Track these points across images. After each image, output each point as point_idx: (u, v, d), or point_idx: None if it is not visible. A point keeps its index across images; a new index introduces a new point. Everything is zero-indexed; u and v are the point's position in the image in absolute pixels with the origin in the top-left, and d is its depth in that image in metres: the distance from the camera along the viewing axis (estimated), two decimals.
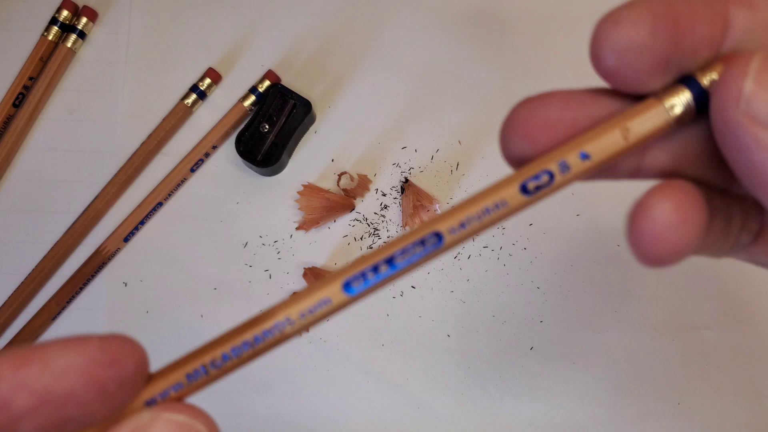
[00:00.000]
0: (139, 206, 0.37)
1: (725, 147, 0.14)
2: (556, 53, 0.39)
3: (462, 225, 0.15)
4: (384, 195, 0.38)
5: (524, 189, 0.15)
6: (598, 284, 0.38)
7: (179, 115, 0.38)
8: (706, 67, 0.15)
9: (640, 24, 0.14)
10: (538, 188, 0.15)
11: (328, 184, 0.38)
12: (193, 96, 0.38)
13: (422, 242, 0.15)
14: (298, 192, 0.37)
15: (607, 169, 0.16)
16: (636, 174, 0.17)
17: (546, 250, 0.38)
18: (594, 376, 0.37)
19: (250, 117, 0.37)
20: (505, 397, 0.37)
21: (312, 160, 0.38)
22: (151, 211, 0.37)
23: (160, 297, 0.37)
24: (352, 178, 0.38)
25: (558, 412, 0.37)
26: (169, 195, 0.38)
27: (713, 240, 0.17)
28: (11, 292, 0.37)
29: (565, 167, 0.15)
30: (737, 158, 0.14)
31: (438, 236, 0.15)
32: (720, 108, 0.14)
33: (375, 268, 0.15)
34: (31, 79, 0.38)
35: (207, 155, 0.38)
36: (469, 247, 0.38)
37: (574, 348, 0.37)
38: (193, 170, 0.38)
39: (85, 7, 0.38)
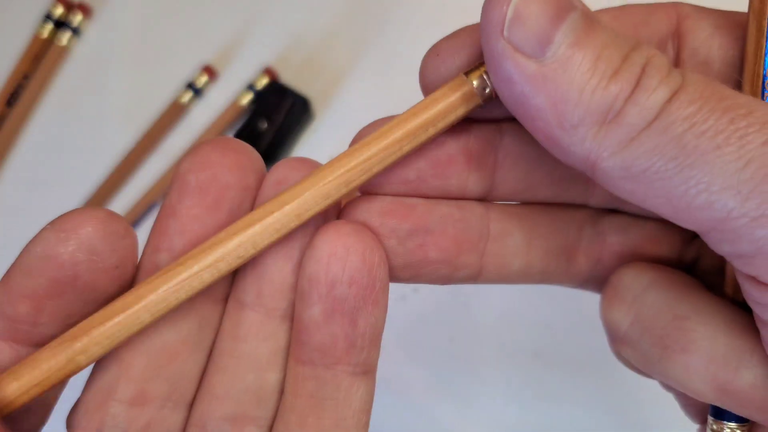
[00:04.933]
0: (134, 206, 0.37)
1: (494, 83, 0.14)
2: None
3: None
4: None
5: None
6: None
7: (175, 113, 0.37)
8: None
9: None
10: None
11: None
12: (189, 93, 0.37)
13: None
14: None
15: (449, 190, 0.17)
16: (488, 196, 0.17)
17: None
18: (602, 382, 0.36)
19: (248, 115, 0.36)
20: (509, 404, 0.36)
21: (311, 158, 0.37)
22: (146, 211, 0.37)
23: None
24: None
25: (564, 419, 0.36)
26: (165, 194, 0.37)
27: (551, 262, 0.17)
28: None
29: None
30: (506, 94, 0.14)
31: None
32: (485, 39, 0.13)
33: None
34: (25, 77, 0.37)
35: None
36: None
37: (581, 353, 0.36)
38: None
39: (79, 3, 0.38)
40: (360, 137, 0.16)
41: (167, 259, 0.15)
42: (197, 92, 0.37)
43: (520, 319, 0.37)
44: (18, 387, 0.14)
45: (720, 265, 0.17)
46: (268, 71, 0.37)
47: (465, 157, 0.16)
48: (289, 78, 0.38)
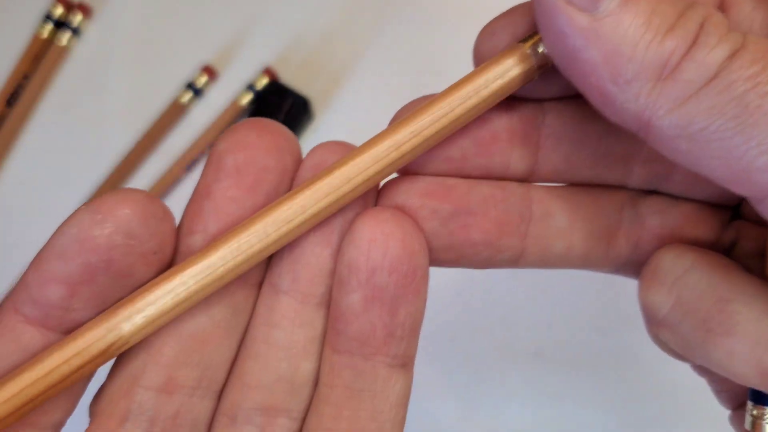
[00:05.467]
0: None
1: (546, 41, 0.14)
2: None
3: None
4: None
5: None
6: (607, 287, 0.37)
7: (175, 113, 0.37)
8: None
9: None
10: None
11: None
12: (189, 94, 0.37)
13: None
14: None
15: (497, 173, 0.17)
16: (530, 176, 0.17)
17: None
18: (603, 381, 0.36)
19: (248, 115, 0.36)
20: (511, 404, 0.36)
21: None
22: None
23: None
24: None
25: (566, 419, 0.36)
26: (165, 194, 0.37)
27: (593, 245, 0.17)
28: (2, 295, 0.36)
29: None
30: (557, 49, 0.14)
31: None
32: None
33: None
34: (24, 77, 0.37)
35: (203, 154, 0.37)
36: None
37: (583, 353, 0.36)
38: (188, 169, 0.37)
39: (79, 3, 0.38)
40: (400, 116, 0.16)
41: (201, 242, 0.15)
42: (197, 92, 0.37)
43: (521, 319, 0.37)
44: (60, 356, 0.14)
45: (760, 248, 0.17)
46: (268, 71, 0.37)
47: (508, 135, 0.16)
48: (289, 78, 0.38)
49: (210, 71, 0.37)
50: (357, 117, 0.38)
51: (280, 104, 0.36)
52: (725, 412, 0.37)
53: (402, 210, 0.15)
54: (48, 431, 0.15)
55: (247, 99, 0.37)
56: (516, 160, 0.16)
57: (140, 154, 0.37)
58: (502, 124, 0.16)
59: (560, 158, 0.17)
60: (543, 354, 0.36)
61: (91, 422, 0.15)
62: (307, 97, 0.36)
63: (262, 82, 0.37)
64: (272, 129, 0.15)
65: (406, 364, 0.16)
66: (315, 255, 0.15)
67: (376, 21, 0.39)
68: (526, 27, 0.15)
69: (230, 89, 0.38)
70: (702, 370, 0.19)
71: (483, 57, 0.16)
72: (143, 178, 0.37)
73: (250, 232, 0.14)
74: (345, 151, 0.15)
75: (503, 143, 0.16)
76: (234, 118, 0.37)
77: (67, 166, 0.37)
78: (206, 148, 0.37)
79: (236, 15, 0.39)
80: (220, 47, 0.38)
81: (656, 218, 0.17)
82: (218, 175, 0.15)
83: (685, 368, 0.38)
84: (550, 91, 0.15)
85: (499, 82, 0.15)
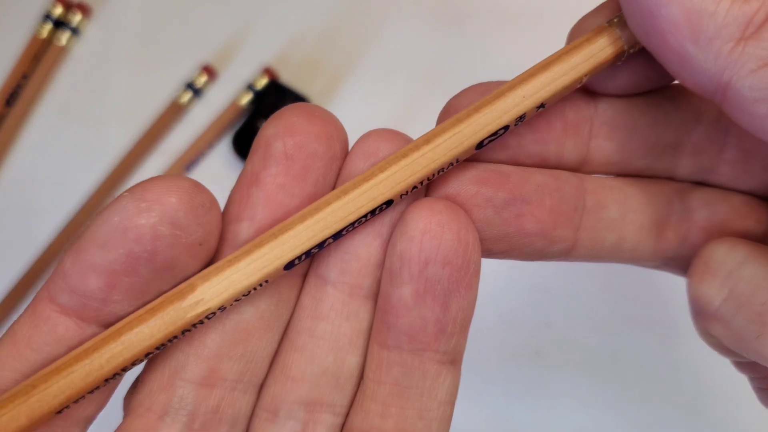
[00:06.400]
0: None
1: (634, 25, 0.14)
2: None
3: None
4: None
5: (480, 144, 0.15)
6: (607, 287, 0.37)
7: (174, 112, 0.37)
8: None
9: None
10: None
11: None
12: (189, 93, 0.37)
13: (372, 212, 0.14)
14: None
15: (553, 162, 0.16)
16: (582, 167, 0.16)
17: None
18: (603, 381, 0.36)
19: (248, 115, 0.36)
20: (510, 404, 0.36)
21: None
22: None
23: None
24: None
25: (565, 419, 0.36)
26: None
27: (643, 238, 0.17)
28: (2, 294, 0.36)
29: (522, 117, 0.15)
30: (636, 7, 0.13)
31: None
32: None
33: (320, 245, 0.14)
34: (24, 77, 0.37)
35: (203, 154, 0.37)
36: None
37: (582, 353, 0.36)
38: (188, 169, 0.37)
39: (78, 3, 0.38)
40: (455, 107, 0.16)
41: (248, 229, 0.14)
42: (197, 92, 0.37)
43: (521, 318, 0.36)
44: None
45: None
46: (267, 71, 0.37)
47: (562, 123, 0.16)
48: (289, 78, 0.38)
49: (210, 71, 0.37)
50: (357, 117, 0.38)
51: (279, 104, 0.36)
52: (725, 413, 0.37)
53: (455, 198, 0.15)
54: (80, 425, 0.14)
55: (246, 99, 0.37)
56: (569, 150, 0.16)
57: (140, 153, 0.37)
58: (556, 112, 0.16)
59: (612, 148, 0.16)
60: (542, 353, 0.36)
61: (126, 416, 0.15)
62: (306, 97, 0.36)
63: (262, 82, 0.37)
64: (321, 114, 0.15)
65: (455, 361, 0.15)
66: (365, 246, 0.15)
67: (376, 21, 0.39)
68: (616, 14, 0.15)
69: (230, 89, 0.38)
70: (745, 366, 0.18)
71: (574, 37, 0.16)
72: (143, 178, 0.37)
73: (318, 218, 0.14)
74: (395, 139, 0.15)
75: (557, 132, 0.16)
76: (234, 117, 0.37)
77: (66, 166, 0.37)
78: (207, 147, 0.37)
79: (236, 15, 0.39)
80: (220, 47, 0.38)
81: (705, 211, 0.17)
82: (267, 162, 0.14)
83: (685, 369, 0.39)
84: (610, 88, 0.15)
85: (592, 61, 0.14)
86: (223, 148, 0.37)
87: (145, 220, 0.13)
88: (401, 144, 0.15)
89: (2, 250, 0.37)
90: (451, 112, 0.16)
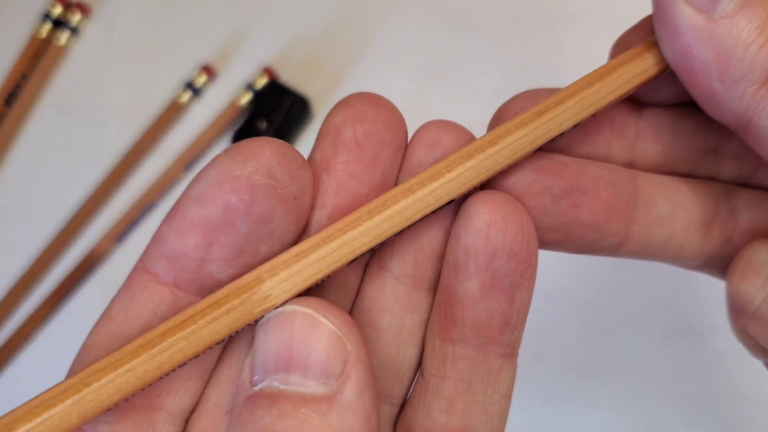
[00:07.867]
0: (132, 206, 0.37)
1: (660, 37, 0.14)
2: (560, 48, 0.38)
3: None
4: None
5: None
6: (607, 289, 0.37)
7: (174, 112, 0.37)
8: None
9: None
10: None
11: None
12: (188, 93, 0.37)
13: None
14: None
15: (601, 155, 0.17)
16: (629, 168, 0.17)
17: (555, 254, 0.37)
18: (603, 383, 0.36)
19: (247, 115, 0.36)
20: (511, 404, 0.36)
21: None
22: (144, 211, 0.36)
23: None
24: None
25: (566, 421, 0.36)
26: (163, 194, 0.37)
27: (690, 237, 0.17)
28: (2, 295, 0.36)
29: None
30: (670, 45, 0.14)
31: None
32: None
33: None
34: (23, 77, 0.37)
35: (202, 154, 0.37)
36: None
37: (583, 354, 0.36)
38: (187, 169, 0.37)
39: (77, 2, 0.38)
40: (507, 112, 0.16)
41: (320, 217, 0.14)
42: (196, 92, 0.37)
43: None
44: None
45: None
46: (267, 71, 0.37)
47: (609, 125, 0.16)
48: (289, 78, 0.38)
49: (209, 71, 0.37)
50: None
51: (279, 104, 0.36)
52: (725, 413, 0.37)
53: (513, 187, 0.15)
54: (176, 421, 0.14)
55: (246, 99, 0.37)
56: (616, 152, 0.17)
57: (139, 153, 0.37)
58: (605, 115, 0.16)
59: (658, 150, 0.17)
60: (544, 356, 0.36)
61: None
62: (306, 96, 0.36)
63: (262, 82, 0.37)
64: (386, 103, 0.15)
65: (514, 353, 0.15)
66: (429, 237, 0.15)
67: (376, 21, 0.39)
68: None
69: (229, 89, 0.37)
70: None
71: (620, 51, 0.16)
72: (142, 177, 0.37)
73: (397, 208, 0.14)
74: (454, 130, 0.15)
75: (606, 133, 0.16)
76: (233, 117, 0.37)
77: (65, 165, 0.37)
78: (206, 147, 0.37)
79: (235, 14, 0.39)
80: (220, 47, 0.38)
81: (749, 213, 0.17)
82: (337, 149, 0.14)
83: (685, 369, 0.38)
84: (654, 98, 0.15)
85: (642, 76, 0.15)
86: (223, 148, 0.37)
87: (241, 171, 0.13)
88: (460, 135, 0.15)
89: (2, 250, 0.37)
90: (502, 118, 0.16)
